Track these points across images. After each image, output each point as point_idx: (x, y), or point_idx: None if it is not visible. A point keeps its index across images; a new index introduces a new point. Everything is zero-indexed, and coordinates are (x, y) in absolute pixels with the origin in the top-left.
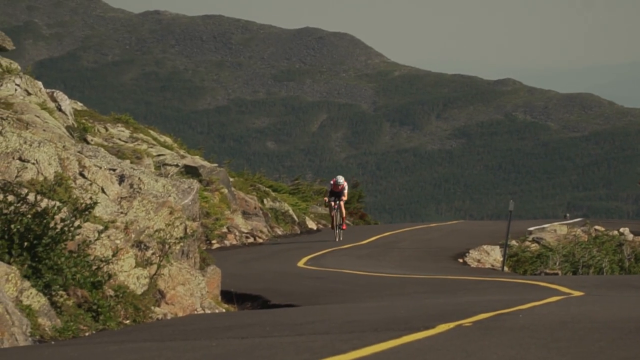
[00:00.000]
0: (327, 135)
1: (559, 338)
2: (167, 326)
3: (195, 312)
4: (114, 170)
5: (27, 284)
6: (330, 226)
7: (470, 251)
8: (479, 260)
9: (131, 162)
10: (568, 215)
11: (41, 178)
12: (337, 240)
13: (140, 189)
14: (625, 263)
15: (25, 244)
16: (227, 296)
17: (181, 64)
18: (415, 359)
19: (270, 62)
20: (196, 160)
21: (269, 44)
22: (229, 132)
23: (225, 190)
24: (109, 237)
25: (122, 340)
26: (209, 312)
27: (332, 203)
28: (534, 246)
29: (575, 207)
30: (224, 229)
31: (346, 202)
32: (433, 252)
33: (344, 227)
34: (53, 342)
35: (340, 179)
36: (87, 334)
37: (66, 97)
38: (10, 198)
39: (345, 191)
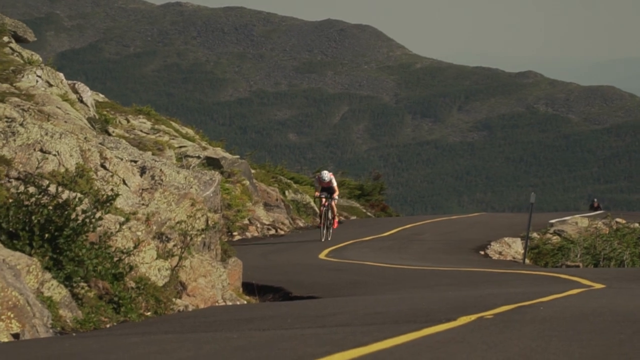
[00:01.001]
0: (348, 128)
1: (580, 330)
2: (188, 318)
3: (217, 304)
4: (136, 161)
5: (48, 275)
6: (318, 224)
7: (492, 243)
8: (500, 253)
9: (153, 154)
10: (596, 200)
11: (62, 169)
12: (322, 240)
13: (161, 180)
14: None
15: (47, 235)
16: (248, 288)
17: (203, 55)
18: (436, 351)
19: (292, 54)
20: (218, 152)
21: (290, 36)
22: (250, 123)
23: (247, 182)
24: (130, 228)
25: (143, 332)
26: (230, 304)
27: (323, 199)
28: (555, 238)
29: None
30: (246, 221)
31: (366, 195)
32: (454, 245)
33: (335, 226)
34: (74, 334)
35: (326, 175)
36: (108, 325)
37: (88, 88)
38: (32, 190)
39: (334, 185)
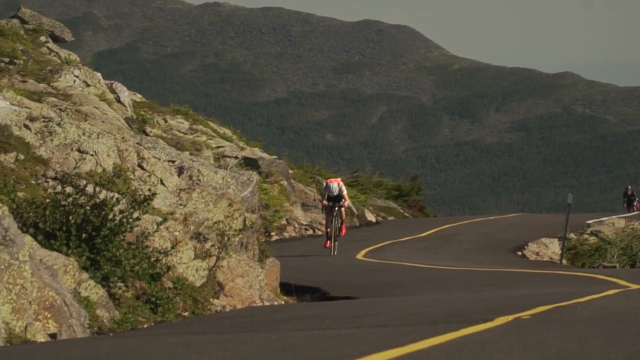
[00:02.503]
0: (386, 128)
1: (617, 331)
2: (225, 318)
3: (254, 304)
4: (173, 161)
5: (85, 275)
6: (326, 234)
7: (529, 244)
8: (537, 253)
9: (190, 154)
10: (630, 187)
11: (100, 169)
12: (332, 254)
13: (199, 180)
14: None
15: (84, 235)
16: (286, 288)
17: (240, 55)
18: (474, 351)
19: (330, 54)
20: (255, 152)
21: (328, 37)
22: (288, 124)
23: (285, 182)
24: (167, 228)
25: (181, 332)
26: (268, 304)
27: (331, 208)
28: (592, 239)
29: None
30: (283, 221)
31: (404, 195)
32: (492, 245)
33: (342, 233)
34: (111, 334)
35: (334, 187)
36: (145, 325)
37: (125, 88)
38: (69, 189)
39: (345, 193)
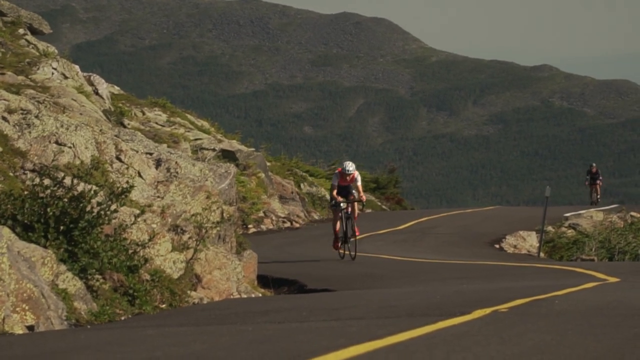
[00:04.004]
0: (364, 121)
1: (595, 324)
2: (203, 310)
3: (232, 297)
4: (151, 154)
5: (63, 267)
6: (335, 246)
7: (507, 237)
8: (515, 246)
9: (168, 146)
10: (594, 164)
11: (78, 162)
12: (342, 257)
13: (177, 173)
14: None
15: (62, 227)
16: (263, 281)
17: (218, 48)
18: (451, 344)
19: (308, 47)
20: (233, 145)
21: (306, 29)
22: (266, 116)
23: (262, 175)
24: (145, 221)
25: (158, 325)
26: (245, 296)
27: (342, 204)
28: (570, 232)
29: (612, 194)
30: (261, 214)
31: (382, 188)
32: (469, 238)
33: (357, 233)
34: (89, 326)
35: (350, 166)
36: (123, 318)
37: (103, 80)
38: (47, 182)
39: (359, 183)
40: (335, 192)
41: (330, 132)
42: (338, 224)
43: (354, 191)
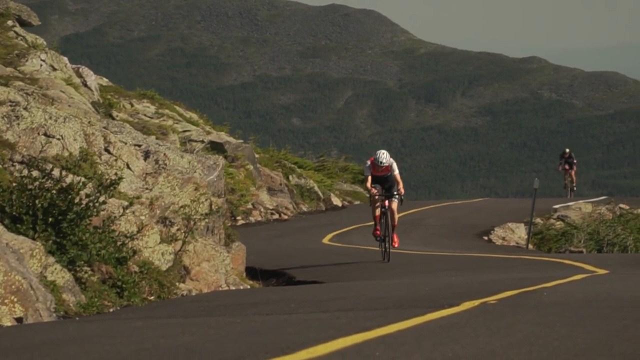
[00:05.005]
0: (352, 112)
1: (584, 316)
2: (191, 302)
3: (220, 289)
4: (140, 146)
5: (51, 259)
6: (375, 233)
7: (495, 229)
8: (503, 238)
9: (156, 138)
10: (568, 149)
11: (66, 153)
12: (383, 257)
13: (165, 164)
14: None
15: (50, 219)
16: (251, 272)
17: (207, 40)
18: (440, 336)
19: (296, 38)
20: (222, 137)
21: (295, 21)
22: (254, 108)
23: (251, 167)
24: (133, 213)
25: (147, 317)
26: (234, 288)
27: (377, 197)
28: (559, 224)
29: (600, 185)
30: (249, 205)
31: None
32: (458, 230)
33: (395, 244)
34: (77, 318)
35: (384, 156)
36: (111, 309)
37: (92, 72)
38: (35, 173)
39: (396, 173)
40: (369, 183)
41: (318, 124)
42: (377, 211)
43: (395, 188)
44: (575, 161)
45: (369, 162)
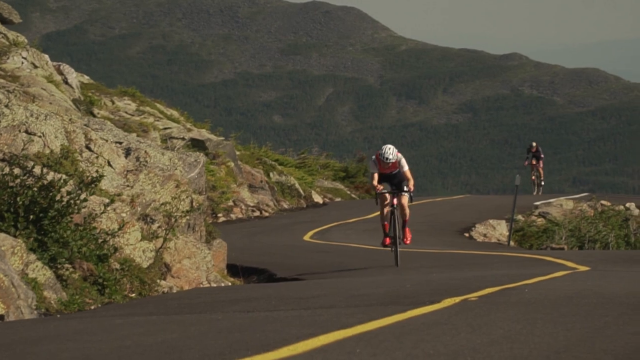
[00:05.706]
0: (333, 109)
1: (565, 313)
2: (172, 299)
3: (201, 286)
4: (120, 143)
5: (32, 257)
6: (385, 242)
7: (476, 225)
8: (485, 235)
9: (137, 136)
10: (535, 143)
11: (47, 151)
12: (397, 264)
13: (146, 162)
14: (631, 238)
15: (31, 217)
16: (233, 269)
17: (188, 37)
18: (421, 333)
19: (277, 35)
20: (203, 134)
21: (275, 18)
22: (235, 105)
23: (232, 164)
24: (115, 210)
25: (128, 314)
26: (215, 285)
27: (387, 195)
28: (540, 221)
29: (582, 182)
30: (230, 203)
31: (351, 177)
32: (439, 227)
33: (408, 240)
34: (59, 315)
35: (390, 152)
36: (92, 307)
37: (73, 70)
38: (17, 171)
39: (406, 169)
40: (375, 181)
41: (299, 121)
42: (385, 210)
43: (405, 184)
44: (542, 155)
45: (374, 157)
